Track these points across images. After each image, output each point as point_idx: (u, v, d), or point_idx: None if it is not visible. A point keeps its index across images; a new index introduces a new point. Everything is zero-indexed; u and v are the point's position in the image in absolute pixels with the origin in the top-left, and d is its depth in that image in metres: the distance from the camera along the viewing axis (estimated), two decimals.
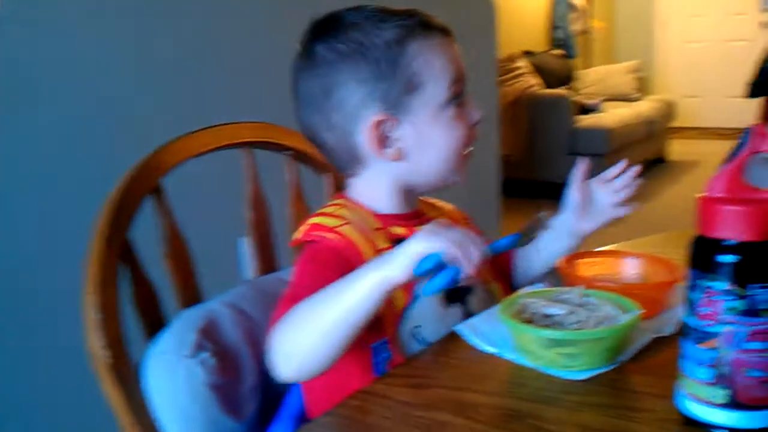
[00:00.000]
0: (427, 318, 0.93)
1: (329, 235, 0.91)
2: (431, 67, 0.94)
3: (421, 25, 0.95)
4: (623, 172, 1.05)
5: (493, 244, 0.82)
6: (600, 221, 1.04)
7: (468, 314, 0.97)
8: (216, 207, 2.12)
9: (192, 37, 2.20)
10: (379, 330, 0.90)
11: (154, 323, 0.98)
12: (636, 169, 1.05)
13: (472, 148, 1.00)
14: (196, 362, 0.93)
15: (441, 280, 0.76)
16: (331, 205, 0.99)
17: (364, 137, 0.94)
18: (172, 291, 1.03)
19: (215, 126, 1.13)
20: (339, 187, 1.26)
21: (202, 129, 1.11)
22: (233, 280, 1.14)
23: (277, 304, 0.88)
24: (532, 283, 1.01)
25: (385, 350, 0.90)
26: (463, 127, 0.97)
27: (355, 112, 0.93)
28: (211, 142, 1.11)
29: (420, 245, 0.77)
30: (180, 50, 2.17)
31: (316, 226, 0.94)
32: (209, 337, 0.96)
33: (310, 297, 0.81)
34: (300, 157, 1.23)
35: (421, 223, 0.99)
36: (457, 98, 0.96)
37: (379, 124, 0.93)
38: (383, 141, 0.94)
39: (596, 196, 1.05)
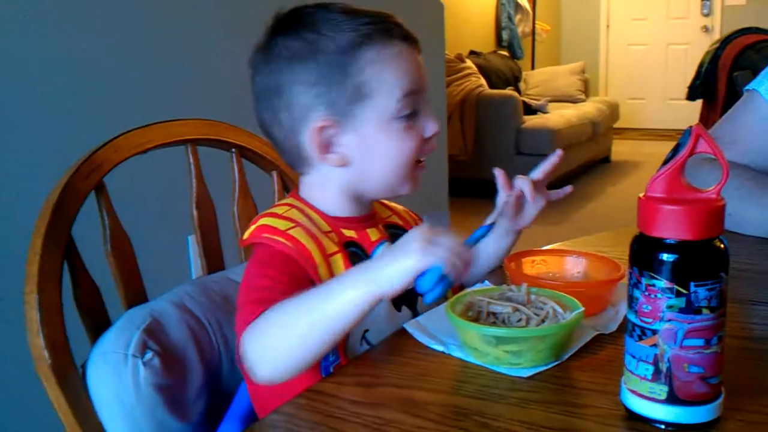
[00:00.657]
0: (377, 322, 0.93)
1: (279, 239, 0.90)
2: (383, 78, 0.92)
3: (381, 32, 0.92)
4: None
5: (469, 240, 0.83)
6: (533, 214, 1.05)
7: (417, 316, 0.97)
8: (162, 205, 2.09)
9: (137, 33, 2.17)
10: None
11: (98, 323, 0.97)
12: (559, 153, 1.05)
13: (424, 160, 0.98)
14: (140, 362, 0.91)
15: (440, 289, 0.75)
16: (281, 205, 0.98)
17: (308, 140, 0.93)
18: (116, 290, 1.01)
19: (159, 123, 1.11)
20: (287, 186, 1.26)
21: (146, 126, 1.10)
22: (180, 279, 1.13)
23: (240, 306, 0.87)
24: (481, 281, 1.01)
25: (333, 353, 0.90)
26: (413, 140, 0.95)
27: (302, 113, 0.93)
28: (155, 139, 1.09)
29: (419, 260, 0.74)
30: (125, 47, 2.13)
31: (266, 228, 0.92)
32: (154, 336, 0.95)
33: (286, 302, 0.79)
34: (246, 154, 1.22)
35: (374, 225, 0.99)
36: (410, 111, 0.94)
37: (323, 129, 0.92)
38: (327, 146, 0.93)
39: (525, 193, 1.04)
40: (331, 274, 0.90)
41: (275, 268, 0.88)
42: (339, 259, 0.92)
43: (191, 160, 1.14)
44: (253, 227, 0.94)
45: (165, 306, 1.00)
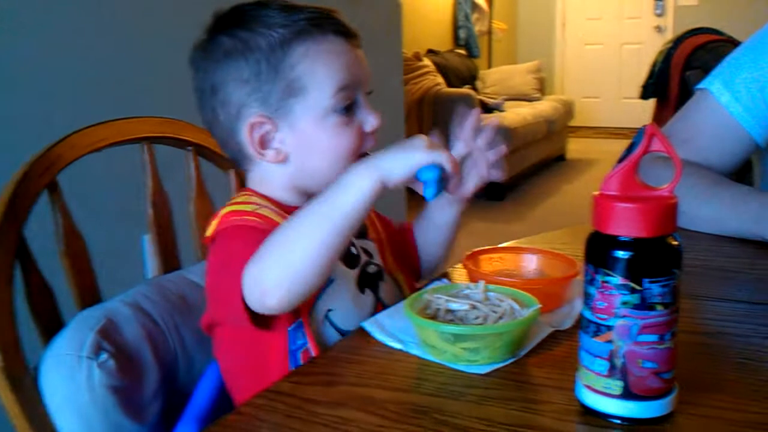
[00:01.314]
0: (340, 301, 0.94)
1: (249, 218, 0.90)
2: (315, 73, 0.92)
3: (314, 27, 0.93)
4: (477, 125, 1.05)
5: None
6: (474, 182, 1.04)
7: (378, 301, 0.98)
8: (117, 203, 2.06)
9: (90, 29, 2.14)
10: (295, 311, 0.89)
11: (51, 324, 0.95)
12: (476, 111, 1.06)
13: (368, 154, 0.97)
14: (94, 364, 0.90)
15: (435, 189, 0.81)
16: (239, 196, 0.98)
17: (245, 137, 0.94)
18: (69, 290, 1.00)
19: (114, 120, 1.10)
20: (244, 184, 1.25)
21: (100, 123, 1.08)
22: (136, 278, 1.12)
23: (219, 282, 0.87)
24: (438, 276, 1.02)
25: (302, 336, 0.89)
26: (350, 135, 0.95)
27: (237, 111, 0.94)
28: (109, 137, 1.08)
29: (424, 155, 0.80)
30: (79, 43, 2.10)
31: (232, 213, 0.92)
32: (109, 337, 0.94)
33: (288, 220, 0.80)
34: (203, 152, 1.21)
35: None
36: (346, 105, 0.94)
37: (257, 125, 0.93)
38: (263, 143, 0.94)
39: (466, 161, 1.05)
40: None
41: (248, 238, 0.85)
42: None
43: (147, 158, 1.13)
44: (216, 220, 0.92)
45: (120, 307, 0.99)
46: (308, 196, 0.97)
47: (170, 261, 1.17)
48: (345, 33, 0.96)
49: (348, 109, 0.95)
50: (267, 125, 0.93)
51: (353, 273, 0.97)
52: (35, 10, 1.97)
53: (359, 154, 0.96)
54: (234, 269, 0.82)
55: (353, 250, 0.99)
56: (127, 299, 1.02)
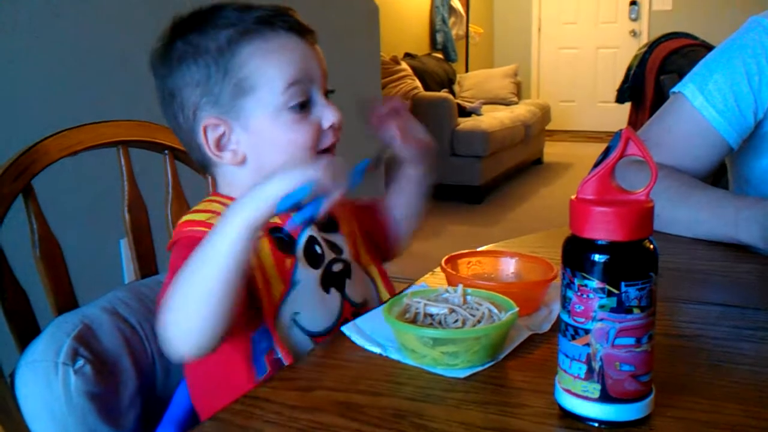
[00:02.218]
0: (305, 304, 0.94)
1: (199, 228, 0.90)
2: (264, 70, 0.91)
3: (263, 25, 0.92)
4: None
5: (351, 172, 0.82)
6: (414, 153, 1.05)
7: (345, 299, 0.98)
8: (93, 207, 2.05)
9: (67, 32, 2.12)
10: (258, 318, 0.89)
11: (27, 330, 0.94)
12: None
13: (331, 150, 0.97)
14: (71, 370, 0.89)
15: (309, 210, 0.75)
16: (201, 203, 0.98)
17: (202, 140, 0.93)
18: (45, 296, 0.99)
19: (90, 124, 1.09)
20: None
21: (76, 127, 1.07)
22: (112, 283, 1.11)
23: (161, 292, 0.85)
24: (416, 280, 1.02)
25: (265, 339, 0.89)
26: (306, 131, 0.94)
27: (192, 114, 0.93)
28: (85, 141, 1.07)
29: (284, 183, 0.75)
30: (53, 46, 2.08)
31: (186, 223, 0.93)
32: (85, 343, 0.93)
33: (186, 265, 0.79)
34: (180, 156, 1.20)
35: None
36: (300, 102, 0.93)
37: (211, 127, 0.92)
38: (219, 145, 0.94)
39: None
40: (257, 257, 0.91)
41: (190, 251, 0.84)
42: (265, 243, 0.93)
43: (123, 162, 1.12)
44: (177, 227, 0.94)
45: (96, 312, 0.98)
46: None
47: (147, 265, 1.16)
48: (298, 29, 0.95)
49: (303, 107, 0.93)
50: (221, 127, 0.93)
51: (317, 273, 0.97)
52: (5, 14, 1.95)
53: (319, 151, 0.95)
54: None
55: (317, 248, 0.98)
56: (104, 304, 1.01)
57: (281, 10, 0.95)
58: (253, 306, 0.90)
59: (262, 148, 0.94)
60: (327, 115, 0.95)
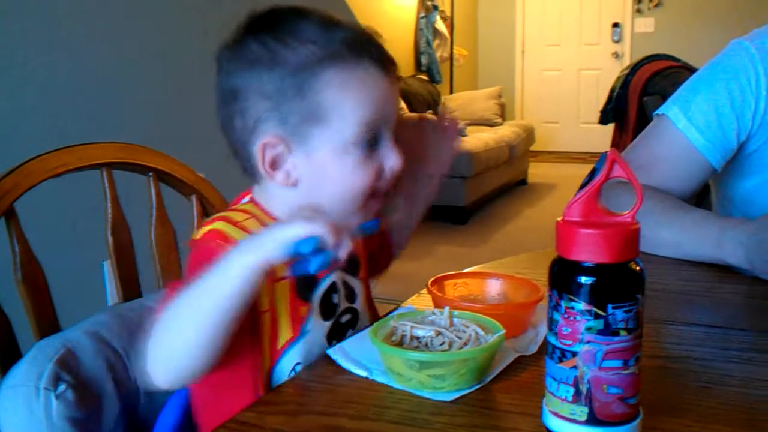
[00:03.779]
0: (308, 355, 0.90)
1: (225, 245, 0.83)
2: (343, 102, 0.86)
3: (349, 50, 0.86)
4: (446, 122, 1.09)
5: (358, 228, 0.81)
6: (447, 158, 1.08)
7: None
8: (76, 230, 2.03)
9: (54, 53, 2.12)
10: (262, 359, 0.88)
11: (8, 355, 0.93)
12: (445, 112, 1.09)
13: (382, 194, 0.93)
14: (53, 395, 0.88)
15: (315, 264, 0.73)
16: (240, 211, 0.92)
17: (256, 152, 0.88)
18: (27, 320, 0.98)
19: (74, 146, 1.08)
20: (207, 211, 1.24)
21: (60, 149, 1.06)
22: (96, 306, 1.10)
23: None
24: (403, 303, 1.01)
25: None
26: (368, 172, 0.89)
27: (253, 124, 0.87)
28: (69, 163, 1.07)
29: (297, 229, 0.72)
30: (40, 68, 2.07)
31: (219, 234, 0.86)
32: (67, 368, 0.92)
33: (180, 294, 0.76)
34: (164, 178, 1.19)
35: None
36: (369, 141, 0.88)
37: (270, 145, 0.87)
38: (274, 163, 0.88)
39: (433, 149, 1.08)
40: (271, 301, 0.88)
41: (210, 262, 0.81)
42: (284, 286, 0.89)
43: (106, 185, 1.12)
44: (207, 228, 0.87)
45: (79, 336, 0.97)
46: None
47: (131, 288, 1.15)
48: (382, 61, 0.90)
49: (370, 145, 0.88)
50: (281, 146, 0.87)
51: (327, 325, 0.93)
52: None
53: (371, 193, 0.91)
54: None
55: (334, 297, 0.94)
56: (86, 328, 1.00)
57: (368, 34, 0.90)
58: (256, 348, 0.88)
59: (318, 179, 0.89)
60: (392, 160, 0.91)
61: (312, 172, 0.89)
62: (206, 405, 0.93)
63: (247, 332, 0.84)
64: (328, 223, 0.72)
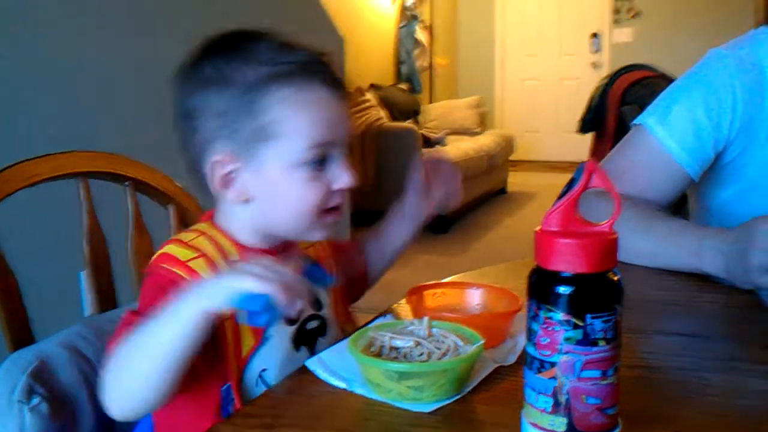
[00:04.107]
0: (274, 361, 0.91)
1: (176, 270, 0.87)
2: (293, 122, 0.87)
3: (301, 72, 0.88)
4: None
5: (309, 278, 0.82)
6: (434, 205, 1.10)
7: None
8: (52, 239, 2.01)
9: (32, 61, 2.10)
10: (223, 374, 0.87)
11: None
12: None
13: (337, 210, 0.93)
14: (26, 408, 0.87)
15: (263, 319, 0.73)
16: (191, 231, 0.94)
17: (209, 170, 0.90)
18: (0, 331, 0.96)
19: (49, 155, 1.07)
20: (185, 221, 1.23)
21: (35, 158, 1.05)
22: (72, 317, 1.08)
23: (116, 328, 0.84)
24: (382, 312, 1.01)
25: (230, 394, 0.87)
26: (317, 190, 0.89)
27: (205, 142, 0.89)
28: (44, 172, 1.05)
29: (247, 283, 0.72)
30: (17, 75, 2.06)
31: (166, 257, 0.88)
32: (41, 380, 0.90)
33: (132, 333, 0.77)
34: (141, 188, 1.18)
35: (289, 257, 0.96)
36: (319, 160, 0.89)
37: (220, 163, 0.89)
38: (226, 181, 0.90)
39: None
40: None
41: (161, 294, 0.82)
42: None
43: (83, 194, 1.10)
44: (159, 252, 0.90)
45: (54, 348, 0.96)
46: (272, 236, 0.95)
47: (108, 299, 1.14)
48: (333, 83, 0.91)
49: (319, 164, 0.89)
50: (231, 165, 0.89)
51: (291, 330, 0.94)
52: None
53: (325, 210, 0.92)
54: None
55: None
56: (61, 340, 0.98)
57: (319, 57, 0.91)
58: (221, 358, 0.88)
59: (269, 196, 0.90)
60: (342, 178, 0.91)
61: (263, 190, 0.90)
62: (167, 421, 0.92)
63: (210, 350, 0.84)
64: (279, 283, 0.72)
